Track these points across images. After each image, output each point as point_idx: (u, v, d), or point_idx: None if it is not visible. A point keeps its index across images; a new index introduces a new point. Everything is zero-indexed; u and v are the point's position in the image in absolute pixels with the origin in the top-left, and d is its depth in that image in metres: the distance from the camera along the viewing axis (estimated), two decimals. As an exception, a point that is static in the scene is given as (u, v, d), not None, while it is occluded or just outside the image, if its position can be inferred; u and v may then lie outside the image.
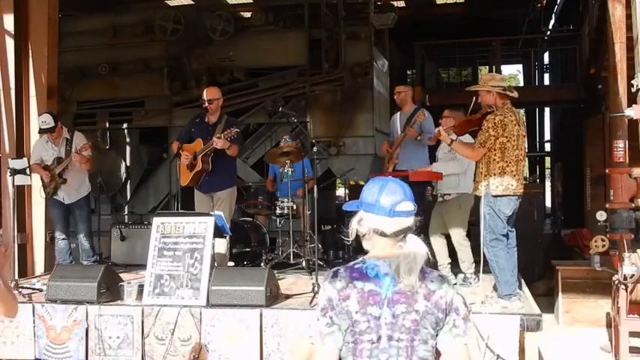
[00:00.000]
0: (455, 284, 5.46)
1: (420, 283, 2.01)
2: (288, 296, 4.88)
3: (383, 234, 2.06)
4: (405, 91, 6.60)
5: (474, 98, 4.82)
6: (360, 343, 2.00)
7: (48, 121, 6.15)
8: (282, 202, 6.71)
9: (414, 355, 2.00)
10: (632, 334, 5.01)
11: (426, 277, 2.04)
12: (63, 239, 6.37)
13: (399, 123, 6.56)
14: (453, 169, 5.51)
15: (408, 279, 1.99)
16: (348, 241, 2.17)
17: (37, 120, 6.41)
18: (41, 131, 6.21)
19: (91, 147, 6.33)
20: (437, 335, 2.03)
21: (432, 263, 2.09)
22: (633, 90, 4.98)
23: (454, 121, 5.13)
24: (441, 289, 2.04)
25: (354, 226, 2.13)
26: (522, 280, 5.25)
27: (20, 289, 5.14)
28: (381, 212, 2.06)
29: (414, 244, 2.05)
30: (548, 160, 17.54)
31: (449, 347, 2.04)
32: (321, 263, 5.92)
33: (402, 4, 13.04)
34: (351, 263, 2.10)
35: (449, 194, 5.57)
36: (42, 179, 6.34)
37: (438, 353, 2.07)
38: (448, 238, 5.65)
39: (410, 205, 2.08)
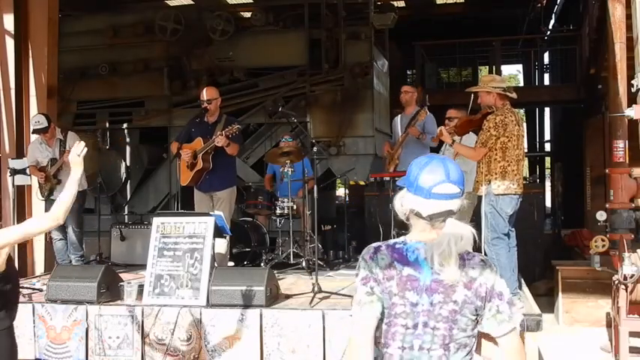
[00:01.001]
0: None
1: (460, 272, 1.92)
2: (288, 296, 4.88)
3: (419, 215, 1.97)
4: (412, 92, 6.63)
5: (472, 98, 4.85)
6: (393, 326, 1.95)
7: (41, 121, 6.20)
8: (282, 202, 6.71)
9: (451, 342, 1.93)
10: (632, 334, 5.00)
11: (466, 264, 1.95)
12: (60, 239, 6.41)
13: (400, 124, 6.56)
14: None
15: (447, 270, 1.90)
16: (395, 232, 2.13)
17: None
18: (34, 131, 6.26)
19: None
20: (477, 320, 1.96)
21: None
22: (633, 90, 4.98)
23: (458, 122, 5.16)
24: (482, 275, 1.95)
25: (397, 205, 2.04)
26: (522, 280, 5.25)
27: (20, 289, 5.13)
28: (418, 192, 1.97)
29: (452, 228, 1.94)
30: (548, 160, 17.54)
31: (497, 334, 1.97)
32: (321, 263, 5.92)
33: (402, 4, 13.04)
34: (392, 242, 2.03)
35: None
36: (38, 181, 6.36)
37: (491, 340, 2.01)
38: None
39: (451, 188, 1.96)
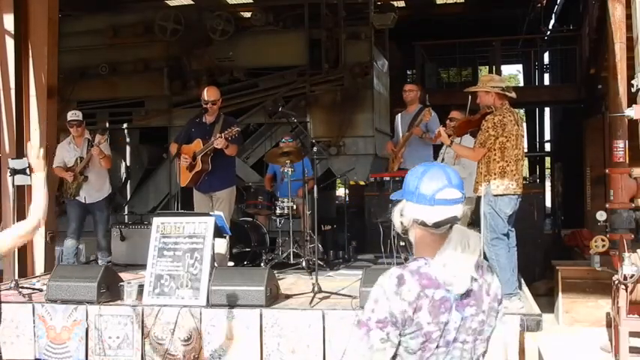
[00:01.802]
0: None
1: (480, 278, 1.91)
2: (288, 296, 4.88)
3: (423, 224, 1.88)
4: (415, 90, 6.63)
5: (469, 99, 4.84)
6: (426, 350, 1.85)
7: (78, 114, 6.60)
8: (282, 202, 6.71)
9: (474, 354, 1.91)
10: (632, 334, 5.00)
11: (483, 269, 1.93)
12: (72, 238, 6.58)
13: (401, 122, 6.56)
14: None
15: (472, 255, 1.86)
16: (395, 233, 2.07)
17: (37, 120, 6.55)
18: (70, 122, 6.55)
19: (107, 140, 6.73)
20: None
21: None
22: (633, 90, 4.98)
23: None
24: (494, 280, 1.95)
25: (397, 218, 1.95)
26: (522, 280, 5.24)
27: (20, 289, 5.14)
28: (420, 201, 1.88)
29: (458, 235, 1.88)
30: (548, 160, 17.55)
31: (497, 334, 1.99)
32: (321, 263, 5.92)
33: (402, 4, 13.05)
34: (414, 265, 1.87)
35: None
36: (64, 181, 6.60)
37: None
38: None
39: (454, 193, 1.89)
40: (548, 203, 13.60)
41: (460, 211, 1.92)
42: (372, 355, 1.81)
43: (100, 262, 6.64)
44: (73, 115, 6.58)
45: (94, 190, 6.58)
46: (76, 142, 6.63)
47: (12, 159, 6.33)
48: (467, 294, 1.87)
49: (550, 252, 8.66)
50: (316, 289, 4.72)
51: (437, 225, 1.88)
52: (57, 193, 6.70)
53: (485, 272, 1.94)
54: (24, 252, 6.48)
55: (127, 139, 10.58)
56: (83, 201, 6.53)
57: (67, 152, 6.63)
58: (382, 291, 1.83)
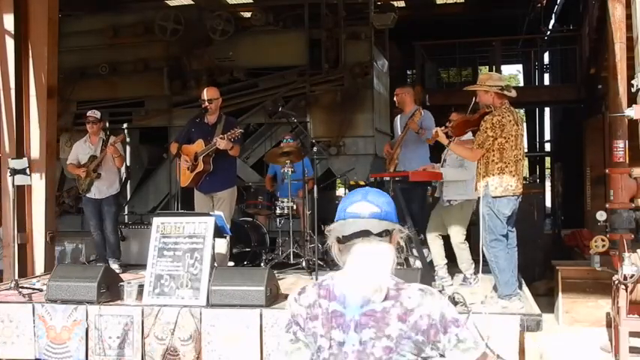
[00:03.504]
0: (451, 285, 5.46)
1: (393, 302, 1.75)
2: (288, 296, 4.88)
3: (339, 240, 1.86)
4: (403, 93, 6.57)
5: (474, 98, 4.79)
6: None
7: (97, 113, 6.83)
8: (282, 202, 6.72)
9: None
10: (632, 334, 5.00)
11: (400, 294, 1.76)
12: (98, 234, 6.79)
13: (400, 124, 6.56)
14: (460, 176, 5.49)
15: (368, 293, 1.76)
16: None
17: (37, 120, 6.57)
18: (88, 119, 6.75)
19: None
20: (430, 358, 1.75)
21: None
22: (633, 90, 4.97)
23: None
24: (422, 306, 1.74)
25: (328, 238, 1.91)
26: (522, 280, 5.24)
27: (20, 289, 5.14)
28: (338, 217, 1.90)
29: (365, 245, 1.81)
30: (548, 160, 17.55)
31: None
32: (321, 263, 5.92)
33: (402, 4, 13.06)
34: (320, 280, 1.93)
35: (455, 200, 5.53)
36: (77, 178, 6.85)
37: None
38: (445, 238, 5.63)
39: (367, 206, 1.84)
40: (548, 203, 13.61)
41: (376, 225, 1.82)
42: (289, 358, 1.89)
43: (110, 263, 6.55)
44: (92, 112, 6.81)
45: (105, 186, 6.74)
46: (91, 140, 6.82)
47: (12, 159, 6.35)
48: (367, 314, 1.76)
49: (550, 252, 8.66)
50: (316, 289, 4.71)
51: (346, 238, 1.84)
52: (57, 193, 6.71)
53: (405, 297, 1.77)
54: (24, 252, 6.48)
55: (127, 139, 10.56)
56: (94, 197, 6.72)
57: (82, 150, 6.83)
58: (289, 300, 1.97)
